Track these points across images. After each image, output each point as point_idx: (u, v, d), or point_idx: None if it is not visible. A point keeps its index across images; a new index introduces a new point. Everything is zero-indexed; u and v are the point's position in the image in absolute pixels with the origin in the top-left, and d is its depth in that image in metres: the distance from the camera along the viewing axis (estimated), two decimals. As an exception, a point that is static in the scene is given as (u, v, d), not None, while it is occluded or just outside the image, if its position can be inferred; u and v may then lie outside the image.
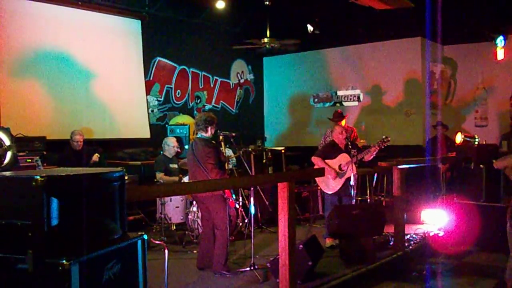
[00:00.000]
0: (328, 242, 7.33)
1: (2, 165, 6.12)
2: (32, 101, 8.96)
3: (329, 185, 7.52)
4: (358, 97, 12.51)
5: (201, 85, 12.37)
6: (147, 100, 10.91)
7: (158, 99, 11.32)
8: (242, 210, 7.94)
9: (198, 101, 12.29)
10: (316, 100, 13.20)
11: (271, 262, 5.72)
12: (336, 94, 12.87)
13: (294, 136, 13.31)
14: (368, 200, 9.40)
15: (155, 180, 8.30)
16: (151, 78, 11.13)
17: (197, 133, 6.37)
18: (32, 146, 7.72)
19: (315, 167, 7.71)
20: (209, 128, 6.24)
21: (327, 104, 12.99)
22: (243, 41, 11.22)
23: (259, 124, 14.09)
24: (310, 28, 11.26)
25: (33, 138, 7.91)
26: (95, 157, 8.43)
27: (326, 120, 11.66)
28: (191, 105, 12.09)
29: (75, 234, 2.43)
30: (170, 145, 8.53)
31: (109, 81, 10.19)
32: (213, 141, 6.37)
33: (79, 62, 9.68)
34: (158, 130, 10.98)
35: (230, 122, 12.39)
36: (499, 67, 11.11)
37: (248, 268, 6.09)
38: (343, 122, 8.84)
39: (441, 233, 7.72)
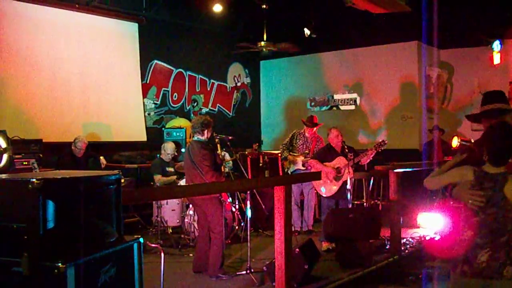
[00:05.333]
0: (325, 245, 7.33)
1: (-2, 168, 6.11)
2: (29, 104, 8.95)
3: (325, 188, 7.54)
4: (355, 101, 12.53)
5: (198, 88, 12.38)
6: (143, 103, 10.91)
7: (155, 102, 11.32)
8: (238, 213, 7.94)
9: (195, 104, 12.30)
10: (312, 103, 13.21)
11: (267, 265, 5.72)
12: (332, 97, 12.89)
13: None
14: (365, 204, 9.41)
15: (152, 183, 8.30)
16: (148, 81, 11.13)
17: (193, 136, 6.37)
18: (28, 148, 7.71)
19: (312, 170, 7.73)
20: (205, 131, 6.25)
21: (324, 108, 13.01)
22: (240, 44, 11.24)
23: (256, 127, 14.10)
24: (307, 31, 11.28)
25: (30, 140, 7.90)
26: (103, 159, 8.45)
27: (323, 123, 11.70)
28: (187, 108, 12.09)
29: (71, 237, 2.42)
30: (168, 151, 8.51)
31: (106, 84, 10.19)
32: (210, 144, 6.37)
33: (76, 65, 9.68)
34: (155, 133, 10.98)
35: (226, 126, 12.39)
36: (496, 71, 11.13)
37: (244, 272, 6.09)
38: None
39: (437, 237, 7.73)
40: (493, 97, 4.08)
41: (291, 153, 8.63)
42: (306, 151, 8.51)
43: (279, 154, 10.09)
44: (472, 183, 3.41)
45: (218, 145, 7.20)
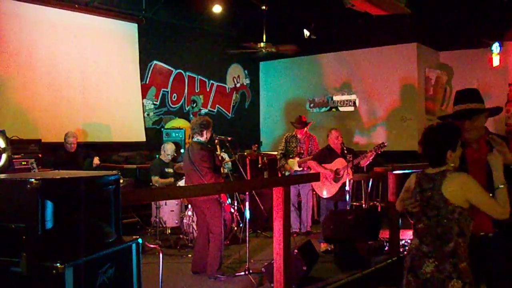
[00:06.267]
0: (323, 247, 7.34)
1: (-3, 168, 6.12)
2: (28, 104, 8.95)
3: (324, 189, 7.54)
4: (354, 102, 12.54)
5: (197, 89, 12.38)
6: (143, 103, 10.91)
7: (154, 102, 11.31)
8: (237, 214, 7.94)
9: (194, 105, 12.30)
10: (312, 105, 13.22)
11: (266, 266, 5.72)
12: (332, 99, 12.89)
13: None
14: (364, 205, 9.41)
15: (151, 183, 8.29)
16: (147, 82, 11.13)
17: (193, 137, 6.37)
18: (28, 148, 7.72)
19: (312, 171, 7.73)
20: (205, 132, 6.25)
21: (323, 109, 13.01)
22: (239, 45, 11.24)
23: (255, 128, 14.10)
24: (306, 33, 11.28)
25: (29, 140, 7.91)
26: (96, 159, 8.44)
27: (322, 125, 11.71)
28: (187, 109, 12.09)
29: (69, 237, 2.42)
30: (167, 152, 8.51)
31: (105, 84, 10.19)
32: (209, 145, 6.37)
33: (76, 65, 9.68)
34: (154, 133, 10.98)
35: (226, 127, 12.39)
36: (495, 73, 11.15)
37: (242, 273, 6.09)
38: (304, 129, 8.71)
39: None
40: (465, 97, 3.75)
41: (288, 161, 8.61)
42: (301, 152, 8.52)
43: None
44: (413, 188, 3.29)
45: (218, 146, 7.20)
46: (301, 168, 8.44)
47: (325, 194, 7.60)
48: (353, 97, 12.56)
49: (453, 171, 3.17)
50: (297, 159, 8.49)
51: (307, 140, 8.63)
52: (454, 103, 3.80)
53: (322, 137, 8.73)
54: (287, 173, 8.59)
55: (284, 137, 8.86)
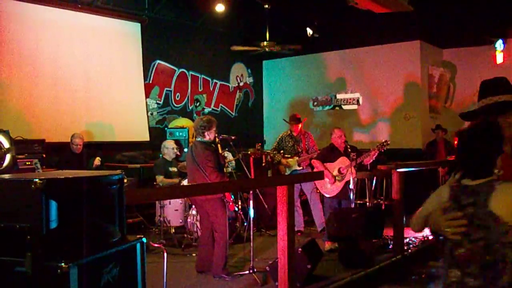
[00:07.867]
0: (327, 245, 7.33)
1: (1, 168, 6.13)
2: (32, 104, 8.97)
3: (328, 188, 7.54)
4: (358, 101, 12.52)
5: (200, 88, 12.38)
6: (146, 103, 10.91)
7: (158, 102, 11.32)
8: (241, 213, 7.94)
9: (198, 104, 12.30)
10: (315, 103, 13.20)
11: (270, 265, 5.72)
12: (335, 97, 12.87)
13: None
14: (367, 204, 9.40)
15: (155, 183, 8.30)
16: (150, 81, 11.13)
17: (196, 137, 6.37)
18: (31, 148, 7.74)
19: (315, 170, 7.73)
20: (206, 133, 6.23)
21: (327, 108, 13.00)
22: (242, 44, 11.24)
23: (259, 127, 14.09)
24: (309, 31, 11.27)
25: (32, 140, 7.93)
26: (97, 160, 8.43)
27: (326, 123, 11.70)
28: (190, 108, 12.09)
29: (74, 237, 2.42)
30: (169, 147, 8.51)
31: (109, 84, 10.20)
32: (213, 144, 6.36)
33: (79, 65, 9.69)
34: (157, 133, 10.98)
35: (229, 126, 12.39)
36: (498, 70, 11.05)
37: (247, 272, 6.08)
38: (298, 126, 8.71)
39: (441, 237, 7.70)
40: (495, 88, 3.15)
41: (285, 155, 8.59)
42: (299, 150, 8.51)
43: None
44: (447, 203, 2.55)
45: (219, 145, 7.20)
46: (301, 167, 8.42)
47: (327, 192, 7.60)
48: (356, 95, 12.54)
49: (503, 180, 2.45)
50: (296, 158, 8.47)
51: (303, 138, 8.60)
52: (480, 96, 3.24)
53: (326, 136, 8.73)
54: (288, 172, 8.57)
55: (279, 137, 8.83)
